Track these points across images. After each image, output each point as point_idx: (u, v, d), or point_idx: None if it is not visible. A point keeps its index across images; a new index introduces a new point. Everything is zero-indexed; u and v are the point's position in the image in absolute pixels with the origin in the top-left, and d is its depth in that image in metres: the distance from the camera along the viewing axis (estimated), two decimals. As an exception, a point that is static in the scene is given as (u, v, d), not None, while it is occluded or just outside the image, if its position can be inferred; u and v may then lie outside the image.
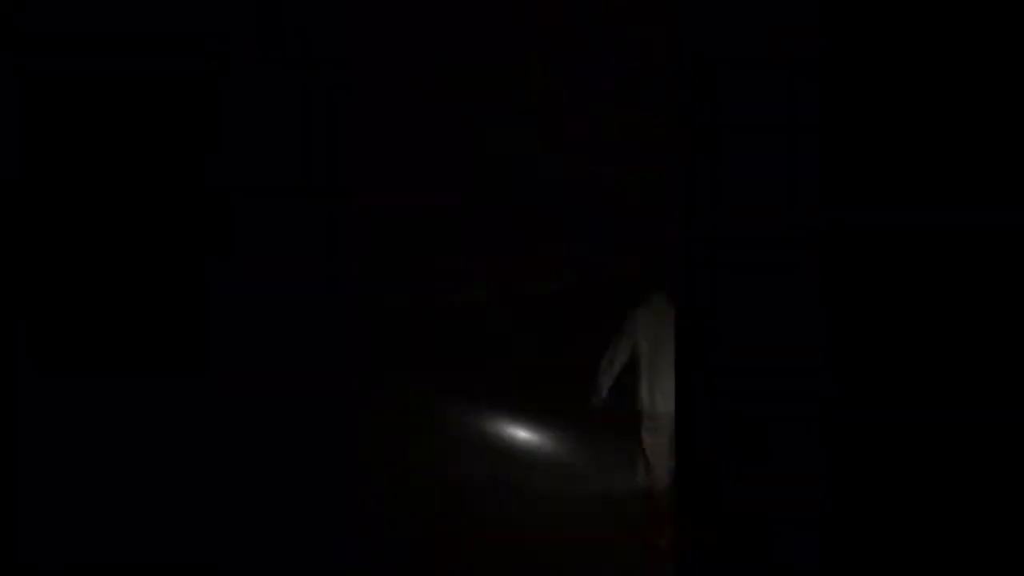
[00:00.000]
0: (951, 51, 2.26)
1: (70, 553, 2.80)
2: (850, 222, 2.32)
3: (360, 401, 3.23)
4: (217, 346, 2.94)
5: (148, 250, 2.88)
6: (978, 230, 2.25)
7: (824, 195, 2.35)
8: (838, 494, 2.34)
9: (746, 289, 2.45)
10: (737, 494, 2.44)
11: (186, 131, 2.90)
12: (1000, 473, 2.23)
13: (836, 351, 2.34)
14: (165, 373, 2.88)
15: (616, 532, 4.21)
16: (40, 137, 2.81)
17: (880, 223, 2.30)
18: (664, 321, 4.17)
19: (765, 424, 2.42)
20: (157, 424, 2.87)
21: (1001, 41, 2.23)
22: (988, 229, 2.24)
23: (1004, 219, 2.23)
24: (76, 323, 2.84)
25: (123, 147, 2.86)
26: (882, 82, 2.31)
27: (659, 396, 4.17)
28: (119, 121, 2.85)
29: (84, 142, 2.84)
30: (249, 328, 2.98)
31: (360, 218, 3.21)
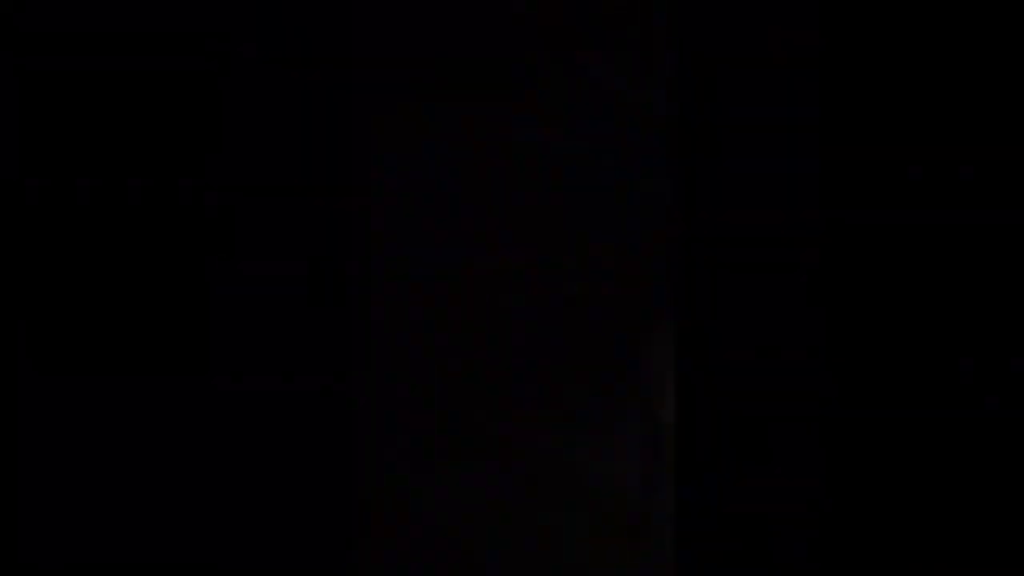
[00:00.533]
0: (951, 51, 2.26)
1: (70, 553, 2.80)
2: (850, 222, 2.32)
3: (360, 401, 3.22)
4: (217, 346, 2.93)
5: (148, 250, 2.88)
6: (978, 230, 2.25)
7: (824, 195, 2.35)
8: (838, 494, 2.34)
9: (746, 289, 2.45)
10: (737, 494, 2.44)
11: (186, 131, 2.90)
12: (1000, 473, 2.23)
13: (836, 351, 2.34)
14: (165, 373, 2.88)
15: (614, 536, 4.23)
16: (40, 137, 2.81)
17: (880, 223, 2.30)
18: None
19: (765, 424, 2.41)
20: (157, 424, 2.87)
21: (1001, 41, 2.23)
22: (988, 229, 2.24)
23: (1004, 219, 2.23)
24: (76, 323, 2.84)
25: (123, 147, 2.86)
26: (882, 82, 2.31)
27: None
28: (119, 121, 2.85)
29: (84, 142, 2.83)
30: (249, 328, 2.98)
31: (360, 218, 3.21)
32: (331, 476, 3.04)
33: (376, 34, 3.26)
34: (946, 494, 2.26)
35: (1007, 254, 2.22)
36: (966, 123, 2.25)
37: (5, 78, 2.80)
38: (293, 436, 3.01)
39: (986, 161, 2.23)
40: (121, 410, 2.87)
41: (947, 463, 2.26)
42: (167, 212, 2.91)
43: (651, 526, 4.16)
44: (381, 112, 3.29)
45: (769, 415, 2.41)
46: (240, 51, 2.96)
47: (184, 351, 2.91)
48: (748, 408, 2.43)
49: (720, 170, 2.47)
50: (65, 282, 2.85)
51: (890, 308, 2.31)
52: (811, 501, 2.36)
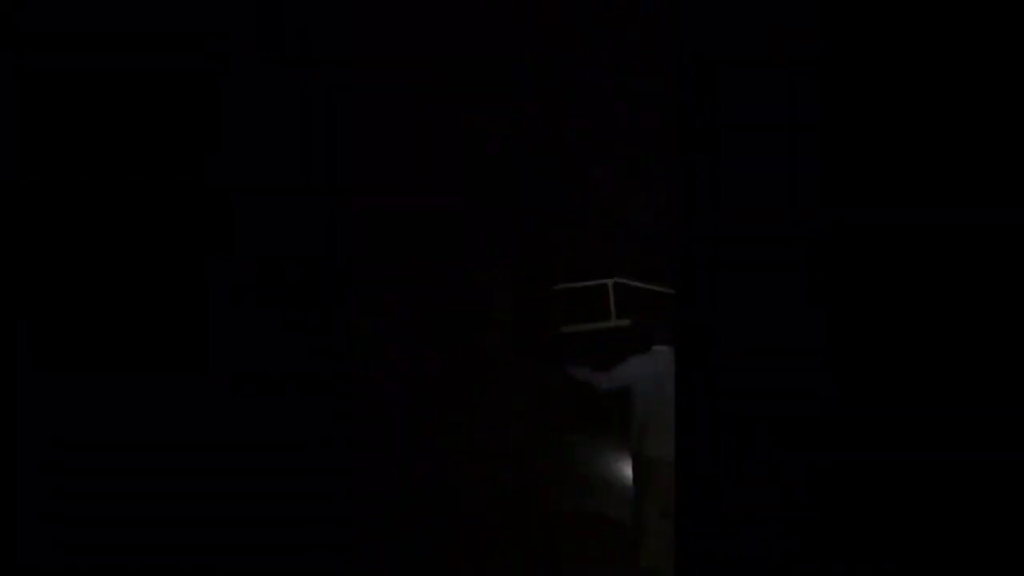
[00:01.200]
0: (951, 51, 2.26)
1: (70, 553, 2.80)
2: (850, 222, 2.32)
3: (360, 402, 3.23)
4: (216, 346, 2.94)
5: (148, 250, 2.88)
6: (978, 230, 2.25)
7: (824, 195, 2.35)
8: (838, 494, 2.34)
9: (746, 289, 2.45)
10: (737, 494, 2.44)
11: (186, 131, 2.90)
12: (1001, 473, 2.23)
13: (836, 351, 2.34)
14: (165, 373, 2.88)
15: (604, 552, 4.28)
16: (40, 137, 2.81)
17: (880, 223, 2.30)
18: (660, 373, 4.16)
19: (765, 424, 2.42)
20: (157, 424, 2.87)
21: (1001, 41, 2.23)
22: (988, 229, 2.24)
23: (1004, 219, 2.23)
24: (76, 323, 2.84)
25: (123, 147, 2.86)
26: (882, 82, 2.31)
27: (648, 441, 4.19)
28: (119, 121, 2.85)
29: (84, 142, 2.83)
30: (249, 328, 2.98)
31: (360, 218, 3.21)
32: (328, 473, 3.05)
33: (376, 34, 3.26)
34: (946, 493, 2.26)
35: (1007, 254, 2.22)
36: (966, 123, 2.25)
37: (5, 78, 2.80)
38: (292, 436, 3.01)
39: (986, 161, 2.23)
40: (121, 410, 2.87)
41: (947, 463, 2.26)
42: (167, 212, 2.91)
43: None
44: (381, 112, 3.29)
45: (769, 415, 2.41)
46: (240, 51, 2.96)
47: (184, 351, 2.91)
48: (748, 408, 2.43)
49: (720, 170, 2.47)
50: (65, 282, 2.85)
51: (890, 308, 2.31)
52: (811, 501, 2.36)
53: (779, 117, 2.40)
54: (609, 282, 5.23)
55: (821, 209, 2.35)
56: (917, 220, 2.28)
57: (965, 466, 2.26)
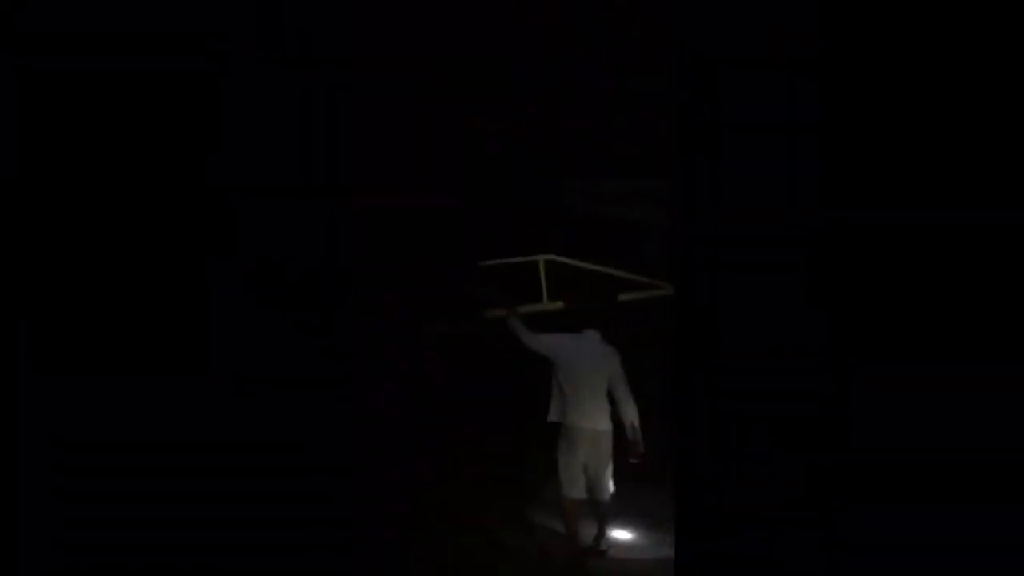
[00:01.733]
0: (951, 51, 2.26)
1: (70, 553, 2.80)
2: (850, 222, 2.32)
3: (360, 402, 3.23)
4: (216, 346, 2.94)
5: (148, 250, 2.88)
6: (978, 230, 2.25)
7: (824, 195, 2.35)
8: (838, 494, 2.34)
9: (746, 289, 2.45)
10: (737, 494, 2.44)
11: (186, 131, 2.90)
12: (1001, 473, 2.23)
13: (836, 351, 2.34)
14: (164, 373, 2.88)
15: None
16: (40, 137, 2.81)
17: (880, 223, 2.30)
18: (585, 351, 4.44)
19: (765, 424, 2.42)
20: (157, 424, 2.87)
21: (1001, 41, 2.23)
22: (988, 229, 2.24)
23: (1004, 219, 2.23)
24: (76, 323, 2.84)
25: (123, 147, 2.86)
26: (882, 82, 2.31)
27: (569, 412, 4.43)
28: (119, 121, 2.85)
29: (84, 142, 2.83)
30: (249, 328, 2.98)
31: (360, 218, 3.22)
32: (328, 473, 3.05)
33: (376, 34, 3.26)
34: (945, 493, 2.26)
35: (1005, 254, 2.22)
36: (966, 123, 2.25)
37: (5, 78, 2.80)
38: (292, 437, 3.01)
39: (986, 161, 2.23)
40: (120, 409, 2.87)
41: (946, 462, 2.26)
42: (167, 212, 2.91)
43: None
44: (381, 112, 3.29)
45: (769, 415, 2.41)
46: (240, 51, 2.96)
47: (183, 351, 2.91)
48: (748, 408, 2.44)
49: (720, 170, 2.47)
50: (64, 282, 2.85)
51: (890, 308, 2.31)
52: (810, 501, 2.36)
53: (779, 117, 2.40)
54: (541, 259, 5.11)
55: (821, 209, 2.35)
56: (917, 220, 2.28)
57: (965, 466, 2.26)
